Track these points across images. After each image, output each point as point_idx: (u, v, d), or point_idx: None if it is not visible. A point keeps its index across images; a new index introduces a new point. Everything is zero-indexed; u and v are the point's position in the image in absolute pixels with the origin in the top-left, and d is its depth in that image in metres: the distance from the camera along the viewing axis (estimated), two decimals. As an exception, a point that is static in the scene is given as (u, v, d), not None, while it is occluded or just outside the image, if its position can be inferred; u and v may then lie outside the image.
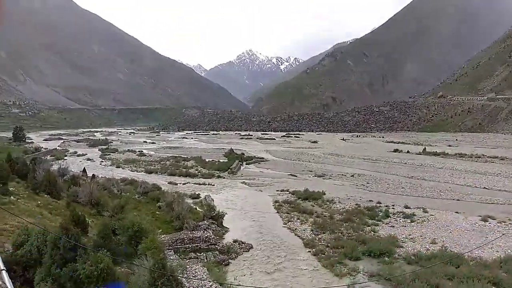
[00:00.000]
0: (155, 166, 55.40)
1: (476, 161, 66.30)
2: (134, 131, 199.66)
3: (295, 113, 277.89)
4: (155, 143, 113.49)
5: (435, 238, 20.80)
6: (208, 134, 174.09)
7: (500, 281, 14.36)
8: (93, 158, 66.87)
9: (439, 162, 65.19)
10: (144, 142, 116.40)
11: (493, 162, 65.10)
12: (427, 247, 19.37)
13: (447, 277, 14.72)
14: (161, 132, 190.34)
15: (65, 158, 63.07)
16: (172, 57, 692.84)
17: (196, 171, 49.91)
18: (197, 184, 40.64)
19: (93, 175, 32.62)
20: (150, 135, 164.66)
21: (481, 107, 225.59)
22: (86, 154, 73.27)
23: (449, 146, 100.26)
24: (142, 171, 50.90)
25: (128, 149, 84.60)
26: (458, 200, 33.40)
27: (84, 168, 39.90)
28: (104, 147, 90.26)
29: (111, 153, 74.93)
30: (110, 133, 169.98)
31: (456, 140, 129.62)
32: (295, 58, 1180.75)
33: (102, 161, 62.94)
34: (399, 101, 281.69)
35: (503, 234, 21.82)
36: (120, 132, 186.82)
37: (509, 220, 25.44)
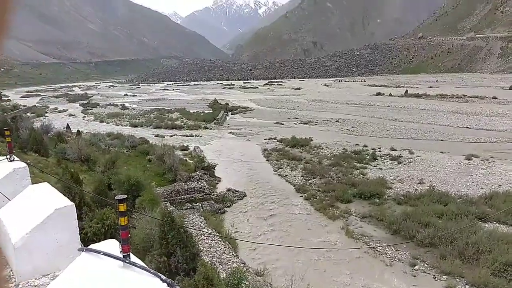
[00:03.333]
0: (139, 119, 54.68)
1: (457, 101, 67.45)
2: (113, 84, 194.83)
3: (276, 60, 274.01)
4: (136, 95, 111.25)
5: (422, 178, 21.51)
6: (189, 85, 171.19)
7: (486, 216, 15.10)
8: (75, 113, 65.44)
9: (421, 103, 66.09)
10: (125, 95, 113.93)
11: (473, 101, 66.34)
12: (415, 187, 20.05)
13: (437, 215, 15.37)
14: (141, 85, 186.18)
15: (46, 114, 61.52)
16: (145, 5, 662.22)
17: (182, 123, 49.53)
18: (184, 136, 40.50)
19: (78, 131, 32.06)
20: (130, 87, 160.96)
21: (461, 47, 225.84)
22: (67, 110, 71.54)
23: (430, 87, 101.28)
24: (126, 125, 50.24)
25: (110, 103, 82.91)
26: (442, 140, 34.27)
27: (68, 124, 39.17)
28: (84, 102, 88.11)
29: (93, 108, 73.35)
30: (88, 87, 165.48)
31: (437, 81, 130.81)
32: (274, 1, 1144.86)
33: (85, 116, 61.74)
34: (380, 43, 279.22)
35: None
36: (99, 85, 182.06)
37: (492, 157, 26.35)
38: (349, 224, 16.02)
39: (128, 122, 52.05)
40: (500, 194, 17.42)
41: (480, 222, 14.57)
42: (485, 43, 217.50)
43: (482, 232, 13.48)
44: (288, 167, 25.98)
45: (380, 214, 16.12)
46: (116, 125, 50.58)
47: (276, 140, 35.46)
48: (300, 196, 20.09)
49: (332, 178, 22.65)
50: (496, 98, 68.06)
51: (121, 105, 77.89)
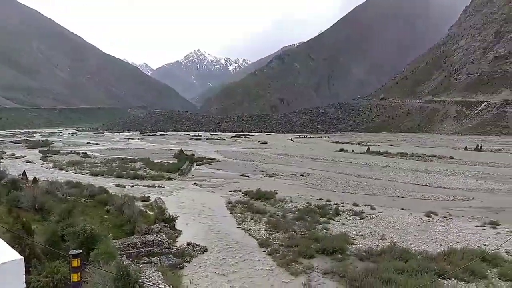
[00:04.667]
0: (100, 168, 53.23)
1: (417, 160, 70.11)
2: (77, 131, 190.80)
3: (244, 114, 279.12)
4: (99, 144, 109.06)
5: (384, 234, 21.69)
6: (155, 135, 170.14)
7: (445, 272, 15.25)
8: (33, 160, 63.00)
9: (382, 161, 68.20)
10: (87, 143, 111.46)
11: (431, 161, 69.16)
12: (377, 243, 20.11)
13: (398, 271, 15.37)
14: (105, 133, 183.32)
15: (2, 160, 58.91)
16: (117, 55, 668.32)
17: (145, 173, 48.58)
18: (146, 186, 39.55)
19: (35, 178, 30.72)
20: (94, 136, 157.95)
21: (420, 109, 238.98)
22: (25, 156, 68.88)
23: (391, 145, 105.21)
24: (87, 173, 48.69)
25: (71, 151, 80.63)
26: (402, 197, 35.12)
27: (24, 171, 37.52)
28: (45, 148, 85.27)
29: (53, 155, 70.99)
30: (50, 134, 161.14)
31: (397, 140, 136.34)
32: (244, 59, 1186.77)
33: (43, 163, 59.48)
34: (344, 102, 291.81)
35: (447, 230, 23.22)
36: (61, 132, 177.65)
37: (450, 215, 27.11)
38: (311, 280, 15.70)
39: (88, 171, 50.50)
40: (457, 251, 17.74)
41: (440, 279, 14.66)
42: (441, 106, 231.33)
43: (442, 290, 13.49)
44: (252, 220, 25.63)
45: (342, 270, 15.95)
46: (76, 173, 48.94)
47: (241, 193, 35.20)
48: (263, 251, 19.66)
49: (296, 232, 22.45)
50: (453, 158, 71.33)
51: (82, 153, 75.94)
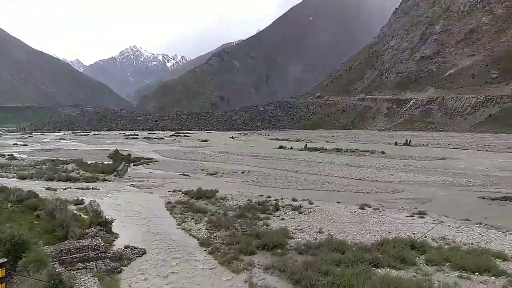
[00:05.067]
0: (29, 170, 49.75)
1: (351, 155, 73.30)
2: (2, 132, 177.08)
3: (183, 112, 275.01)
4: (27, 145, 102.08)
5: (321, 228, 22.41)
6: (88, 135, 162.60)
7: (378, 262, 16.09)
8: (-51, 164, 57.47)
9: (319, 157, 70.52)
10: (14, 144, 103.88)
11: (365, 155, 72.66)
12: (315, 236, 20.72)
13: (335, 263, 15.95)
14: (33, 133, 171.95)
15: None
16: (46, 51, 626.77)
17: (78, 175, 46.18)
18: (79, 188, 37.60)
19: (-49, 184, 28.05)
20: (21, 136, 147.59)
21: (353, 107, 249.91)
22: None
23: (327, 142, 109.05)
24: (14, 177, 45.28)
25: (-6, 153, 74.68)
26: (338, 191, 36.53)
27: None
28: (-38, 151, 78.26)
29: (-27, 158, 65.32)
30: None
31: (333, 136, 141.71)
32: (182, 56, 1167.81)
33: (-39, 168, 54.46)
34: (282, 101, 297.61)
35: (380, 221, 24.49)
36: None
37: (382, 207, 28.65)
38: (253, 276, 15.83)
39: (15, 174, 47.01)
40: (390, 241, 18.72)
41: (374, 268, 15.42)
42: (374, 103, 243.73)
43: (376, 278, 14.15)
44: (193, 220, 25.29)
45: (282, 265, 16.24)
46: (1, 177, 45.35)
47: (180, 192, 34.62)
48: (204, 250, 19.47)
49: (237, 230, 22.49)
50: (384, 153, 75.45)
51: (8, 155, 70.56)
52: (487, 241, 19.92)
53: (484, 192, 36.19)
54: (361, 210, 27.49)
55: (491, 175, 47.84)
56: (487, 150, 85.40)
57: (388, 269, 15.78)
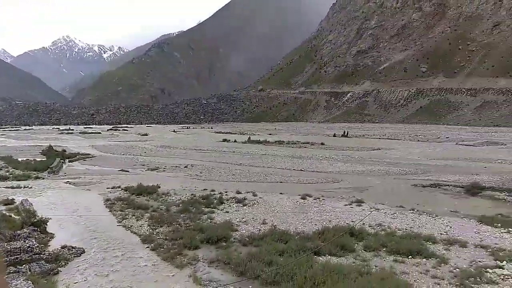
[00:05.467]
0: (-51, 170, 45.60)
1: (293, 147, 74.97)
2: None
3: (122, 105, 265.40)
4: None
5: (265, 219, 22.71)
6: (18, 130, 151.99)
7: (320, 249, 16.63)
8: None
9: (262, 149, 71.36)
10: None
11: (305, 147, 74.62)
12: (259, 228, 20.97)
13: (278, 253, 16.25)
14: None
15: None
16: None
17: (7, 173, 43.02)
18: (10, 188, 35.04)
19: None
20: None
21: (294, 100, 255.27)
22: None
23: (270, 134, 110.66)
24: None
25: None
26: (281, 182, 37.22)
27: None
28: None
29: None
30: None
31: (275, 129, 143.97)
32: (120, 47, 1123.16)
33: None
34: (225, 94, 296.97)
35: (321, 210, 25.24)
36: None
37: (322, 196, 29.60)
38: (197, 271, 15.71)
39: None
40: (330, 229, 19.37)
41: (316, 256, 15.91)
42: (313, 96, 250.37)
43: (318, 265, 14.59)
44: (134, 216, 24.55)
45: (227, 258, 16.27)
46: None
47: (120, 189, 33.42)
48: (147, 247, 18.99)
49: (180, 225, 22.18)
50: (324, 144, 77.93)
51: None
52: (419, 226, 21.26)
53: (416, 180, 38.59)
54: (303, 200, 28.19)
55: (422, 164, 51.08)
56: (418, 140, 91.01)
57: (329, 257, 16.35)
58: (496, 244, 17.89)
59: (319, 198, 28.90)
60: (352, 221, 21.92)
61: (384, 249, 17.34)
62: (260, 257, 15.66)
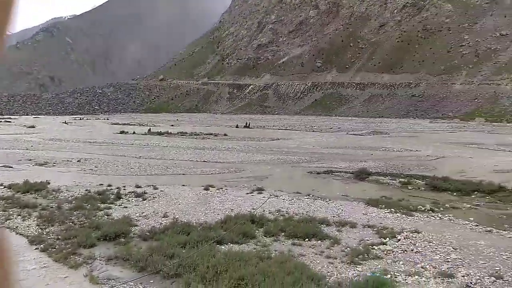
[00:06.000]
0: None
1: (196, 138, 74.55)
2: None
3: (4, 94, 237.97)
4: None
5: (166, 212, 22.33)
6: None
7: (222, 238, 16.94)
8: None
9: (164, 141, 69.70)
10: None
11: (209, 138, 74.72)
12: (160, 221, 20.56)
13: (180, 245, 16.16)
14: None
15: None
16: None
17: None
18: None
19: None
20: None
21: (197, 90, 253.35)
22: None
23: (172, 125, 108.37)
24: None
25: None
26: (184, 174, 36.84)
27: None
28: None
29: None
30: None
31: (177, 120, 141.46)
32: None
33: None
34: (123, 82, 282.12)
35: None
36: None
37: (225, 186, 30.00)
38: (94, 269, 14.92)
39: None
40: (232, 218, 19.79)
41: (218, 245, 16.16)
42: (216, 88, 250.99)
43: (220, 254, 14.85)
44: (20, 216, 22.32)
45: (126, 254, 15.70)
46: None
47: (2, 187, 30.09)
48: (36, 249, 17.46)
49: (74, 223, 20.77)
50: (227, 135, 78.84)
51: None
52: (314, 210, 22.73)
53: (311, 167, 41.08)
54: (205, 191, 28.27)
55: (316, 152, 54.46)
56: (313, 131, 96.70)
57: (231, 245, 16.72)
58: (380, 223, 19.91)
59: (221, 188, 29.21)
60: (253, 209, 22.61)
61: (283, 233, 18.22)
62: (162, 251, 15.42)
